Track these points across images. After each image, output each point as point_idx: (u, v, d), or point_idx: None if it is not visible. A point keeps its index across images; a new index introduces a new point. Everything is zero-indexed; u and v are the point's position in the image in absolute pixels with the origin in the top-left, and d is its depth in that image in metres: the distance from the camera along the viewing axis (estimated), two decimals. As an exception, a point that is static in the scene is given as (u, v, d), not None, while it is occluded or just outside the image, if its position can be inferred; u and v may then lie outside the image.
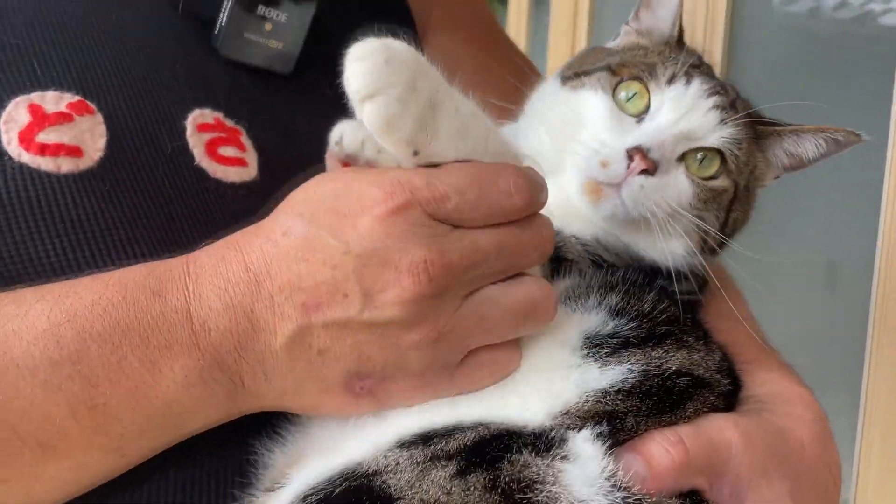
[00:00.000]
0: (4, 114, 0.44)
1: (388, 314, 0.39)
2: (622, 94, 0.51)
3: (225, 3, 0.53)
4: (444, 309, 0.40)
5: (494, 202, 0.40)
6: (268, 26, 0.54)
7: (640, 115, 0.50)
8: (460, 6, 0.74)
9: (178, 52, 0.54)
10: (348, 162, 0.53)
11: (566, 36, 1.40)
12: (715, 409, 0.47)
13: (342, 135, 0.51)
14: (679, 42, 0.55)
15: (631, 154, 0.47)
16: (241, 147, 0.52)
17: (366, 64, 0.39)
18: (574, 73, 0.54)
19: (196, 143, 0.50)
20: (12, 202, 0.43)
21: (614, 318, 0.46)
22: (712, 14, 0.98)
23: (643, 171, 0.47)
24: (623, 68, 0.52)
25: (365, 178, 0.41)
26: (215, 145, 0.51)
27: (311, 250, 0.39)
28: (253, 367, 0.39)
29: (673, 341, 0.47)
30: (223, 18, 0.53)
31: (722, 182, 0.50)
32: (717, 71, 0.98)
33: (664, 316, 0.48)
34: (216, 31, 0.54)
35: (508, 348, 0.43)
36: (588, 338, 0.45)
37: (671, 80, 0.50)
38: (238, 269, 0.39)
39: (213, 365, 0.38)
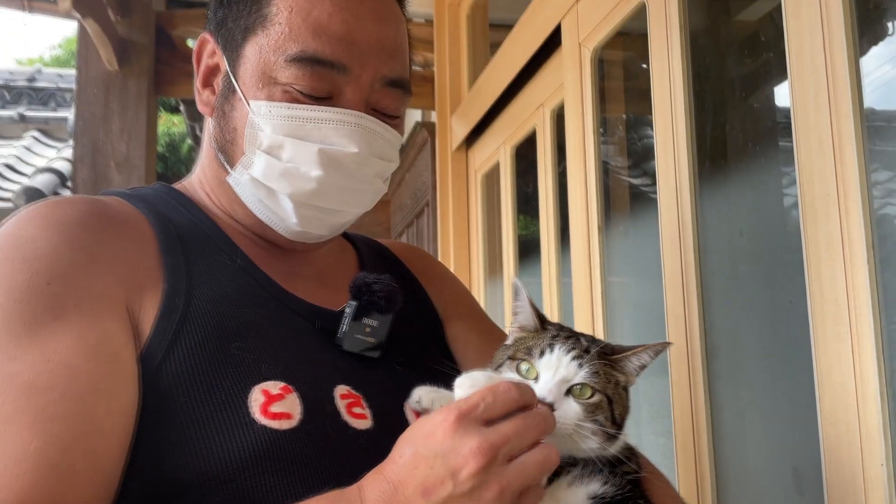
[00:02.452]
0: (251, 396, 0.71)
1: (469, 484, 0.60)
2: (523, 368, 0.77)
3: (345, 318, 0.84)
4: (500, 473, 0.61)
5: (501, 399, 0.63)
6: (367, 329, 0.85)
7: (535, 378, 0.75)
8: (461, 303, 1.08)
9: (320, 349, 0.82)
10: (420, 412, 0.84)
11: (585, 291, 1.74)
12: None
13: (420, 397, 0.82)
14: (543, 326, 0.82)
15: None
16: (363, 407, 0.79)
17: (463, 387, 0.69)
18: (495, 367, 0.81)
19: (341, 406, 0.77)
20: (259, 451, 0.68)
21: (601, 487, 0.74)
22: (684, 242, 1.30)
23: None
24: (516, 354, 0.79)
25: (437, 414, 0.64)
26: (351, 407, 0.78)
27: (418, 460, 0.61)
28: None
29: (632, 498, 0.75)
30: (344, 327, 0.84)
31: (596, 398, 0.75)
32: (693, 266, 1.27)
33: (628, 487, 0.76)
34: (339, 335, 0.84)
35: (538, 488, 0.66)
36: (592, 496, 0.74)
37: (542, 354, 0.76)
38: (384, 483, 0.62)
39: None
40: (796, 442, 1.12)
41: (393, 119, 0.89)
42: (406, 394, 0.82)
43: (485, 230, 2.72)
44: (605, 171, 1.78)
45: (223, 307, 0.77)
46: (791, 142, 1.08)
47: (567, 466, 0.75)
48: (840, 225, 0.98)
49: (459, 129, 2.81)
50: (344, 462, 0.72)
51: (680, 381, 1.32)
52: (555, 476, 0.74)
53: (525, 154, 2.40)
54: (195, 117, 4.73)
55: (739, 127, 1.46)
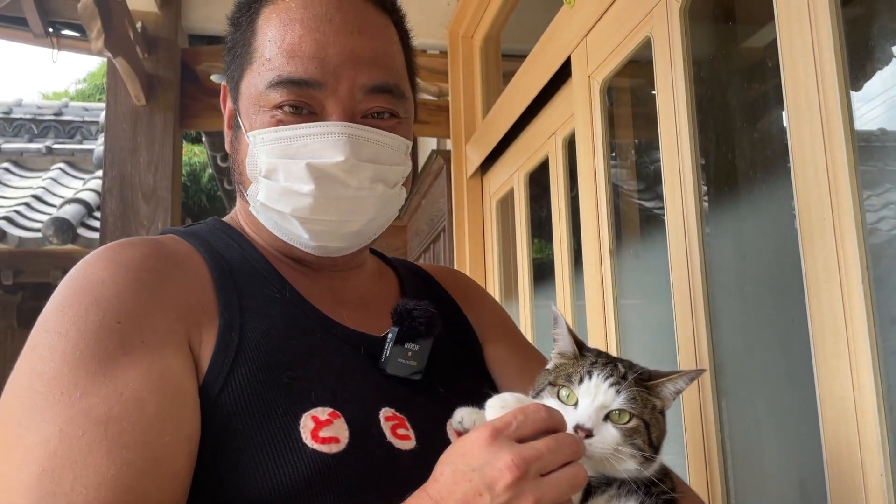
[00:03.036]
0: (301, 422, 0.76)
1: (505, 496, 0.63)
2: (563, 394, 0.80)
3: (387, 344, 0.88)
4: (534, 486, 0.64)
5: (531, 418, 0.68)
6: (409, 353, 0.89)
7: (575, 404, 0.78)
8: (499, 324, 1.13)
9: (365, 374, 0.86)
10: (461, 432, 0.87)
11: (598, 313, 1.80)
12: None
13: (462, 417, 0.85)
14: (581, 353, 0.85)
15: (576, 429, 0.77)
16: (407, 428, 0.83)
17: (495, 408, 0.75)
18: (535, 394, 0.84)
19: (386, 428, 0.81)
20: (311, 474, 0.73)
21: None
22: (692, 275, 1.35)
23: (587, 436, 0.77)
24: (557, 381, 0.82)
25: (472, 433, 0.68)
26: (395, 428, 0.82)
27: (458, 476, 0.65)
28: None
29: None
30: (387, 352, 0.88)
31: (634, 422, 0.77)
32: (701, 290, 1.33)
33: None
34: (382, 360, 0.88)
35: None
36: None
37: (581, 381, 0.79)
38: (427, 501, 0.66)
39: None
40: (802, 455, 1.16)
41: (390, 122, 0.91)
42: (447, 414, 0.86)
43: (500, 254, 2.79)
44: (617, 194, 1.85)
45: (274, 339, 0.83)
46: (788, 163, 1.15)
47: (603, 486, 0.78)
48: (836, 248, 1.04)
49: (474, 156, 2.89)
50: (390, 481, 0.76)
51: (690, 400, 1.37)
52: (589, 495, 0.77)
53: (539, 180, 2.47)
54: (216, 148, 4.85)
55: (744, 152, 1.52)
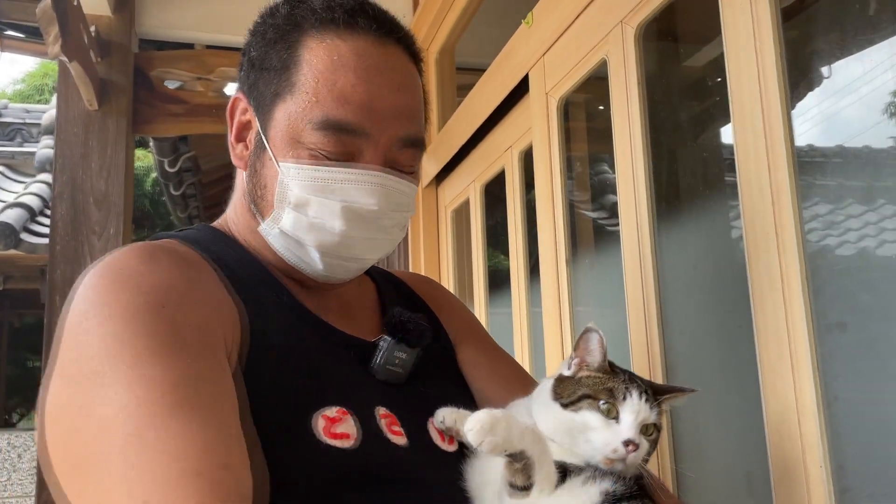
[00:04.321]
0: (313, 421, 0.80)
1: None
2: (604, 408, 0.85)
3: (379, 351, 0.93)
4: None
5: None
6: (397, 360, 0.94)
7: (616, 418, 0.85)
8: (469, 328, 1.19)
9: (359, 375, 0.91)
10: (443, 430, 0.94)
11: (555, 321, 1.87)
12: None
13: (444, 417, 0.93)
14: (612, 369, 0.90)
15: (626, 443, 0.83)
16: (399, 425, 0.88)
17: (479, 427, 0.76)
18: (568, 402, 0.88)
19: (383, 426, 0.85)
20: (323, 468, 0.77)
21: (614, 485, 0.83)
22: (646, 284, 1.45)
23: (634, 449, 0.84)
24: (598, 394, 0.86)
25: None
26: (390, 425, 0.86)
27: None
28: None
29: (640, 497, 0.84)
30: (378, 358, 0.93)
31: (656, 434, 0.87)
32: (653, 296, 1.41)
33: (636, 488, 0.85)
34: (373, 365, 0.93)
35: None
36: (605, 493, 0.82)
37: (623, 398, 0.85)
38: None
39: None
40: (749, 449, 1.25)
41: (412, 173, 0.97)
42: (429, 413, 0.93)
43: (455, 263, 2.85)
44: (572, 206, 1.93)
45: (278, 341, 0.86)
46: (734, 177, 1.24)
47: (579, 469, 0.84)
48: (779, 260, 1.13)
49: (430, 167, 2.95)
50: (394, 476, 0.80)
51: (644, 401, 1.45)
52: (566, 476, 0.83)
53: (492, 191, 2.54)
54: (164, 153, 4.78)
55: (694, 167, 1.62)
